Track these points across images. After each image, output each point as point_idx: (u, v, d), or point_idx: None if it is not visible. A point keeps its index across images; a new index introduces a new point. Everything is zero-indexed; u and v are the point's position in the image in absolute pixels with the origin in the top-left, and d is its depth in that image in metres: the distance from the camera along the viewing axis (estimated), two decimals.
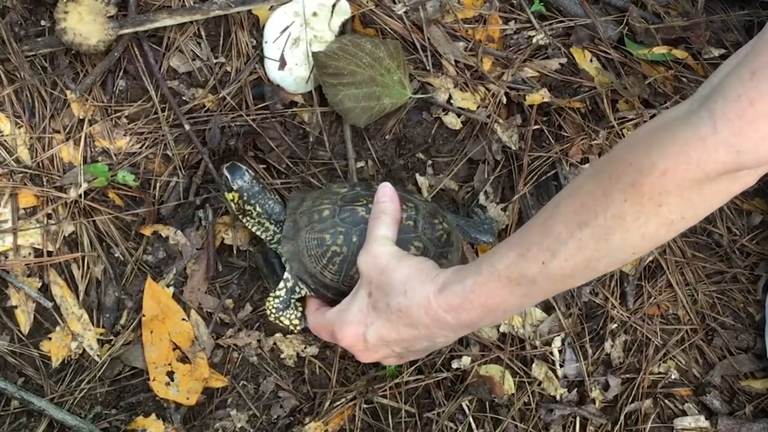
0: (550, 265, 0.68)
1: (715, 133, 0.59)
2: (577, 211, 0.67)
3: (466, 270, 0.74)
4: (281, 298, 0.96)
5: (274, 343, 1.06)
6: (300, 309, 0.97)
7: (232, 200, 0.98)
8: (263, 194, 0.98)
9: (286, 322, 0.97)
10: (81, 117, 1.08)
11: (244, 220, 1.00)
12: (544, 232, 0.69)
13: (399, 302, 0.76)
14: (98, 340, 1.04)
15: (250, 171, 0.98)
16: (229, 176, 0.97)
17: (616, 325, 1.13)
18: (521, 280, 0.70)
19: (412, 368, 1.08)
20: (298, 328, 0.98)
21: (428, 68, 1.15)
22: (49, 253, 1.04)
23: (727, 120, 0.59)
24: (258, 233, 1.01)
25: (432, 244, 0.92)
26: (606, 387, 1.11)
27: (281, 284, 0.96)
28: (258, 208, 0.98)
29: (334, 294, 0.92)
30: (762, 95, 0.58)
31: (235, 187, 0.97)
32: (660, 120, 0.66)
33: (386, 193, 0.87)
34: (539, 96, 1.14)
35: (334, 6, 1.12)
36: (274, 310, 0.96)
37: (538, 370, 1.10)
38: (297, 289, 0.96)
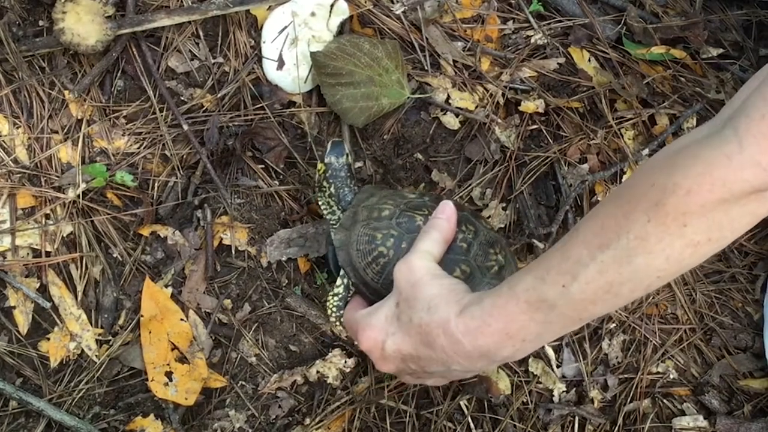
0: (570, 288, 0.66)
1: (741, 151, 0.59)
2: (598, 233, 0.65)
3: (488, 293, 0.72)
4: (340, 296, 0.94)
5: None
6: None
7: (318, 171, 0.99)
8: (344, 181, 0.98)
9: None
10: (79, 117, 1.07)
11: (318, 195, 1.01)
12: (564, 255, 0.67)
13: (421, 318, 0.74)
14: (96, 340, 1.04)
15: (351, 155, 0.99)
16: (327, 149, 0.98)
17: (614, 324, 1.13)
18: (540, 304, 0.67)
19: None
20: None
21: (426, 68, 1.15)
22: (48, 254, 1.04)
23: (753, 138, 0.58)
24: (324, 213, 1.00)
25: (480, 271, 0.89)
26: (604, 387, 1.11)
27: (339, 281, 0.94)
28: (332, 189, 0.98)
29: (372, 294, 0.91)
30: None
31: (326, 161, 0.98)
32: (679, 143, 0.65)
33: (445, 210, 0.86)
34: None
35: (332, 6, 1.12)
36: (335, 309, 0.94)
37: (536, 370, 1.10)
38: (352, 287, 0.94)
